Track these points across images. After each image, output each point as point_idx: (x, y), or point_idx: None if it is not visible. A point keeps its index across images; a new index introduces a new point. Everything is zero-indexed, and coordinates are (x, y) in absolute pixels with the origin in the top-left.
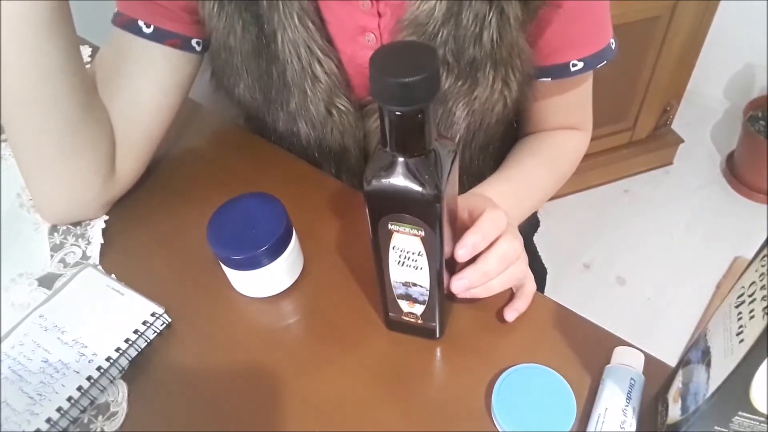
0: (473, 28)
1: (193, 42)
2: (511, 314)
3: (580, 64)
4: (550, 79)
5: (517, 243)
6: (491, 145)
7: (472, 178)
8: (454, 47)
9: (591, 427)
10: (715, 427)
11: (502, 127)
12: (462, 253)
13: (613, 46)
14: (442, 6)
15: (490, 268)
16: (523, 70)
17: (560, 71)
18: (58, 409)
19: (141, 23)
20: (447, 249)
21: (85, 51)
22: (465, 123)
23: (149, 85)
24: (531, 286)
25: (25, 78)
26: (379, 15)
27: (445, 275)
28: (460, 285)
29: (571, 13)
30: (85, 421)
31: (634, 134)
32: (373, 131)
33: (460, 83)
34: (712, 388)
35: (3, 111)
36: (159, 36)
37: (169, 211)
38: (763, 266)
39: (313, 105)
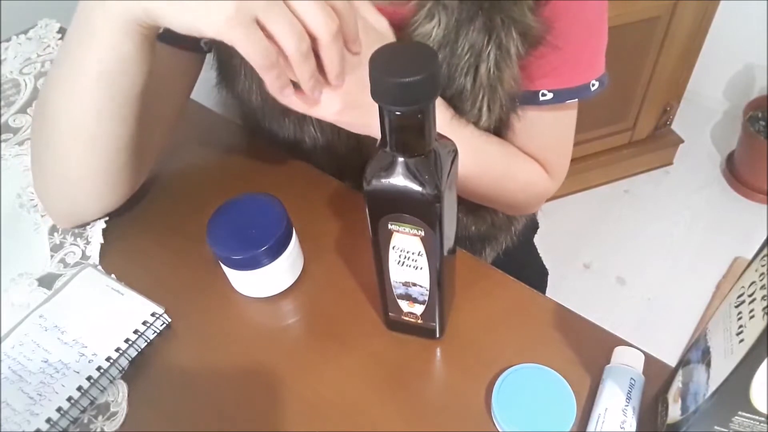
0: (467, 58)
1: (201, 42)
2: None
3: (550, 95)
4: (518, 103)
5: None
6: None
7: None
8: (446, 74)
9: (591, 427)
10: (715, 427)
11: None
12: None
13: (593, 88)
14: (439, 32)
15: None
16: (513, 96)
17: (529, 98)
18: (58, 409)
19: None
20: (447, 248)
21: None
22: None
23: (156, 86)
24: None
25: (101, 124)
26: None
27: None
28: None
29: (557, 44)
30: (85, 421)
31: (634, 134)
32: (364, 137)
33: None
34: (712, 388)
35: (55, 139)
36: (169, 37)
37: (169, 211)
38: (763, 266)
39: None
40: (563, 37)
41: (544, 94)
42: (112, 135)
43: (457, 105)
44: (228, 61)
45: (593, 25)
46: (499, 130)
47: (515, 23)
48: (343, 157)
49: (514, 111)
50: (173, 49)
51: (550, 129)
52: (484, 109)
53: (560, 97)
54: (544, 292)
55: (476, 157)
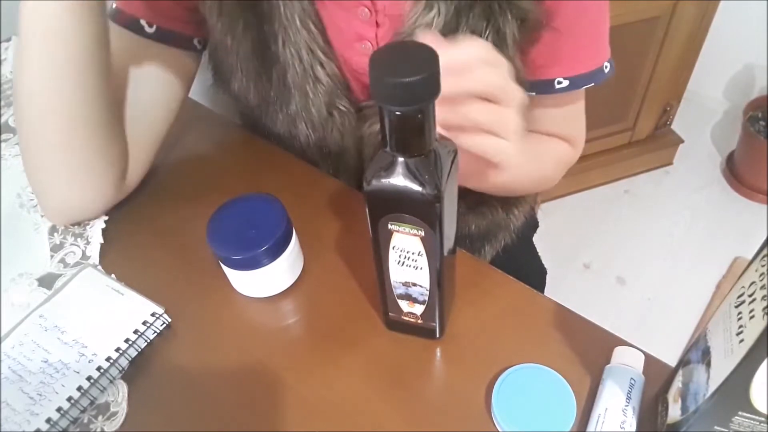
0: None
1: (195, 41)
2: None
3: (566, 83)
4: (534, 93)
5: (500, 72)
6: None
7: None
8: None
9: (591, 427)
10: (715, 427)
11: None
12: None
13: (606, 70)
14: (439, 22)
15: (461, 81)
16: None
17: (545, 87)
18: (58, 409)
19: (143, 22)
20: (447, 248)
21: None
22: None
23: (151, 86)
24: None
25: (58, 95)
26: (377, 25)
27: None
28: None
29: (561, 31)
30: (85, 421)
31: (634, 134)
32: (367, 136)
33: None
34: (712, 388)
35: (24, 121)
36: (161, 36)
37: (169, 210)
38: (763, 266)
39: (315, 107)
40: (571, 23)
41: (559, 82)
42: (77, 113)
43: None
44: (224, 60)
45: (598, 9)
46: None
47: (512, 8)
48: (336, 154)
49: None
50: (162, 46)
51: (568, 113)
52: None
53: (576, 83)
54: (542, 291)
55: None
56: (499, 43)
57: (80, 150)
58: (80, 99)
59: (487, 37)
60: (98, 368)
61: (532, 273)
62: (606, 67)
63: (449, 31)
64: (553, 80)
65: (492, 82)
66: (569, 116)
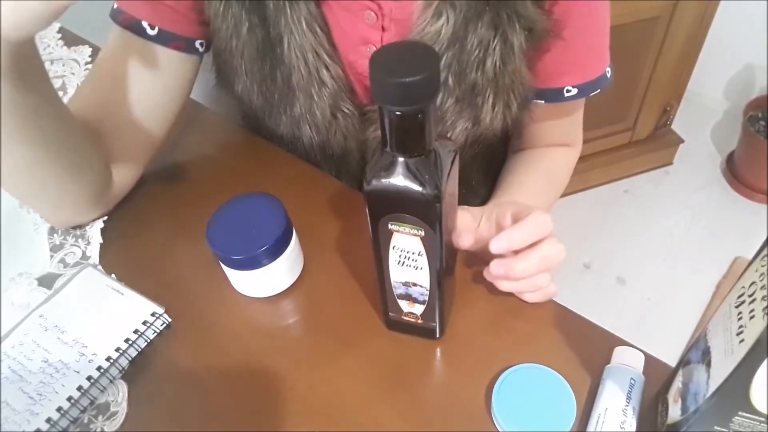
0: (477, 53)
1: (197, 44)
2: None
3: (574, 91)
4: (543, 101)
5: (561, 247)
6: (482, 154)
7: (459, 184)
8: (458, 70)
9: (591, 427)
10: (715, 427)
11: (497, 137)
12: (495, 246)
13: (608, 75)
14: (448, 30)
15: (530, 265)
16: (523, 95)
17: (554, 95)
18: (58, 409)
19: (145, 24)
20: (447, 249)
21: (86, 51)
22: (464, 136)
23: (152, 87)
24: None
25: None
26: (383, 29)
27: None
28: (497, 271)
29: (570, 40)
30: (85, 421)
31: (634, 134)
32: (371, 140)
33: (459, 106)
34: (712, 388)
35: None
36: (163, 38)
37: (169, 211)
38: (763, 266)
39: (319, 109)
40: (579, 33)
41: (569, 90)
42: (23, 167)
43: (470, 101)
44: (228, 61)
45: (603, 18)
46: (519, 126)
47: (519, 18)
48: (339, 157)
49: (526, 107)
50: (164, 48)
51: (572, 120)
52: (490, 103)
53: (584, 91)
54: None
55: (546, 205)
56: (506, 52)
57: (43, 184)
58: (24, 152)
59: (495, 48)
60: (98, 368)
61: None
62: (608, 72)
63: (458, 39)
64: (563, 89)
65: (558, 255)
66: (574, 122)
